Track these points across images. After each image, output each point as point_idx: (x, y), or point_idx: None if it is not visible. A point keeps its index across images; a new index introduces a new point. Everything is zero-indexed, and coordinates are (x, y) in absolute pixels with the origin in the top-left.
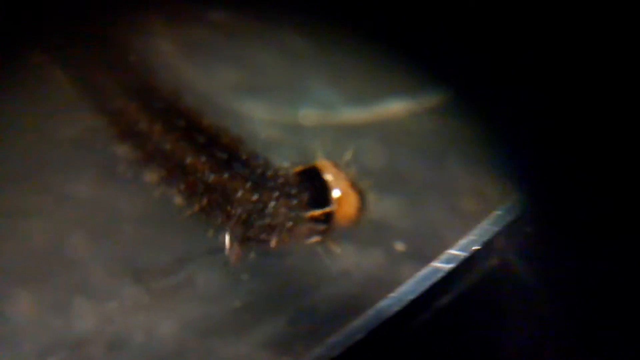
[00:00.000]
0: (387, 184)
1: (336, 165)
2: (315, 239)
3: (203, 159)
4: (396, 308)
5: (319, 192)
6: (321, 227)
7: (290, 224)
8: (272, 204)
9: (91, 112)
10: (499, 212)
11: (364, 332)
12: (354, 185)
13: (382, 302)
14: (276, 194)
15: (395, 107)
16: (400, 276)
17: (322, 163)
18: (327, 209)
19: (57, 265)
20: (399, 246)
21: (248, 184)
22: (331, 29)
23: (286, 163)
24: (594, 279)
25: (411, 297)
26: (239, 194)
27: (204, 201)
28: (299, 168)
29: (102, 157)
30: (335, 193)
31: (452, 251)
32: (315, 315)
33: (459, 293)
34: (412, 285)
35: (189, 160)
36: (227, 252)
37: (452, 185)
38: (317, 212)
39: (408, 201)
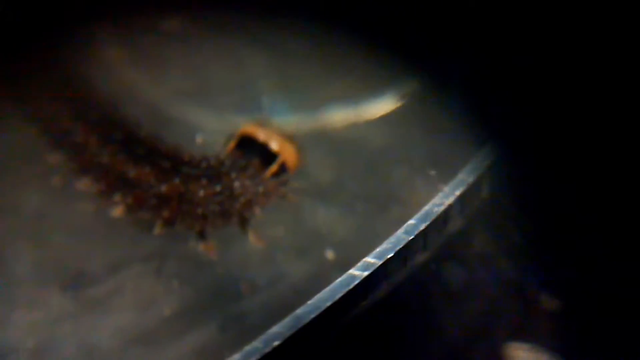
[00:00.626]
0: (323, 192)
1: (259, 124)
2: (283, 190)
3: (147, 169)
4: (313, 315)
5: (262, 152)
6: (283, 178)
7: (261, 189)
8: (236, 184)
9: (24, 120)
10: (412, 222)
11: (281, 339)
12: (282, 133)
13: (299, 310)
14: (234, 174)
15: (340, 116)
16: (330, 284)
17: (247, 128)
18: (279, 161)
19: None
20: (330, 254)
21: (204, 180)
22: (282, 38)
23: (218, 148)
24: (515, 277)
25: (328, 303)
26: (202, 192)
27: (165, 213)
28: (232, 144)
29: (35, 165)
30: (275, 146)
31: (368, 259)
32: (244, 322)
33: (377, 299)
34: (328, 292)
35: (132, 173)
36: (202, 249)
37: (387, 194)
38: (274, 167)
39: (342, 209)
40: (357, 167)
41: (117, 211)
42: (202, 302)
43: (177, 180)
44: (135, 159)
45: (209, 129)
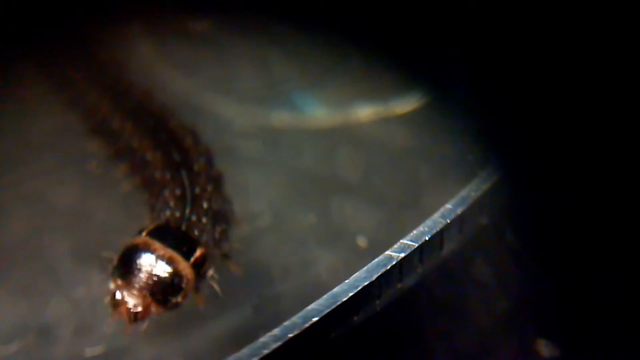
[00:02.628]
0: (350, 187)
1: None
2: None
3: (159, 156)
4: (351, 293)
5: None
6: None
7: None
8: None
9: (64, 109)
10: (449, 206)
11: (319, 315)
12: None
13: (337, 288)
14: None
15: (367, 112)
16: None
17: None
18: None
19: (26, 253)
20: (361, 241)
21: (178, 191)
22: (308, 38)
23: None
24: (550, 273)
25: (365, 283)
26: (167, 193)
27: (147, 194)
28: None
29: (73, 153)
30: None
31: (405, 241)
32: (278, 305)
33: (412, 282)
34: (365, 272)
35: (149, 156)
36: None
37: (412, 190)
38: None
39: (369, 200)
40: (382, 163)
41: (125, 187)
42: (236, 286)
43: (168, 175)
44: (156, 144)
45: (239, 122)
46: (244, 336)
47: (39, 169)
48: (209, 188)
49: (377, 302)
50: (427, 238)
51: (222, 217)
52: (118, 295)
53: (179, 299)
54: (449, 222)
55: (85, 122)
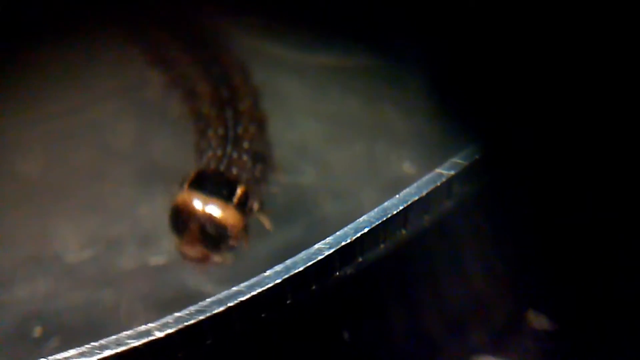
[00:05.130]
0: (395, 121)
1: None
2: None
3: (208, 90)
4: (401, 207)
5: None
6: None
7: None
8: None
9: (125, 40)
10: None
11: (369, 226)
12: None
13: (386, 203)
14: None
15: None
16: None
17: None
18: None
19: (91, 175)
20: (408, 168)
21: (221, 131)
22: None
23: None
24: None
25: (414, 198)
26: (210, 132)
27: (193, 127)
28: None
29: (132, 81)
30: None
31: (455, 159)
32: (327, 223)
33: (458, 201)
34: (415, 188)
35: (200, 87)
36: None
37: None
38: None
39: (413, 136)
40: (425, 102)
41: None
42: (287, 206)
43: (213, 112)
44: (207, 76)
45: (292, 61)
46: (296, 248)
47: (100, 96)
48: (252, 129)
49: (426, 217)
50: (477, 157)
51: (262, 159)
52: (181, 250)
53: (231, 243)
54: (498, 143)
55: (144, 53)
